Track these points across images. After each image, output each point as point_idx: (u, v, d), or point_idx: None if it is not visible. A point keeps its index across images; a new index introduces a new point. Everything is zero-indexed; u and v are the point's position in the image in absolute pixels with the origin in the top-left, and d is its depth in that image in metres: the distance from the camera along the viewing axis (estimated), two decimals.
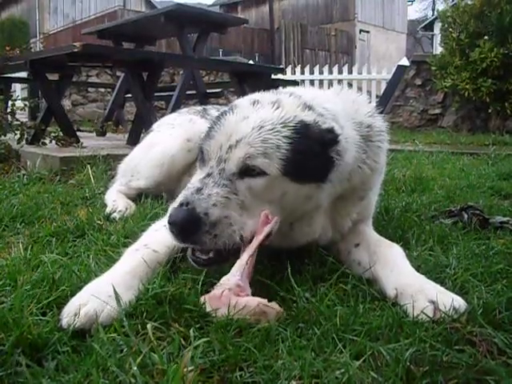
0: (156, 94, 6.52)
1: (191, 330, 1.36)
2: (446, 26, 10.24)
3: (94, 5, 31.94)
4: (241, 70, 6.88)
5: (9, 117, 5.44)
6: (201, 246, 1.67)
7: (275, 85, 6.09)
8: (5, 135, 5.21)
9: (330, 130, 1.75)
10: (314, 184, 1.76)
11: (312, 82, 13.39)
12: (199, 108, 3.40)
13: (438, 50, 12.33)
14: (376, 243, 1.97)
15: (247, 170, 1.68)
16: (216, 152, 1.72)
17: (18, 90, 13.04)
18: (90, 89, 13.09)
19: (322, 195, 1.82)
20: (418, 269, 1.80)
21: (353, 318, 1.45)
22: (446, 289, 1.63)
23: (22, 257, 1.96)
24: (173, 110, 4.78)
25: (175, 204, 1.66)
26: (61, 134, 5.34)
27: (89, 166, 4.02)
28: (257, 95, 1.92)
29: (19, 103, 6.04)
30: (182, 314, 1.48)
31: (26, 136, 5.24)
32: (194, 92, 7.27)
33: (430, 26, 33.16)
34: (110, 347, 1.25)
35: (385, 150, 2.11)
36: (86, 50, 4.76)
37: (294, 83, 8.11)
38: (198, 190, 1.65)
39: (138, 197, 3.12)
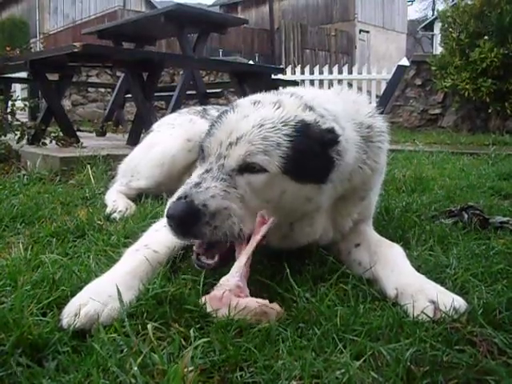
0: (156, 94, 6.52)
1: (191, 331, 1.36)
2: (446, 26, 10.24)
3: (93, 5, 31.94)
4: (241, 70, 6.88)
5: (9, 117, 5.44)
6: (201, 239, 1.66)
7: (275, 85, 6.10)
8: (5, 135, 5.21)
9: (331, 131, 1.75)
10: (314, 184, 1.75)
11: (312, 82, 13.39)
12: (199, 108, 3.40)
13: (438, 50, 12.33)
14: (376, 243, 1.97)
15: (247, 167, 1.68)
16: (216, 149, 1.73)
17: (18, 90, 13.04)
18: (90, 89, 13.09)
19: (322, 196, 1.81)
20: (418, 269, 1.80)
21: (353, 318, 1.45)
22: (447, 289, 1.63)
23: (23, 257, 1.96)
24: (173, 110, 4.78)
25: (173, 198, 1.66)
26: (61, 134, 5.34)
27: (89, 166, 4.03)
28: (258, 96, 1.92)
29: (19, 103, 6.04)
30: (182, 314, 1.48)
31: (26, 136, 5.24)
32: (194, 92, 7.27)
33: (430, 26, 33.16)
34: (111, 347, 1.25)
35: (385, 150, 2.12)
36: (86, 50, 4.76)
37: (294, 83, 8.13)
38: (197, 185, 1.65)
39: (138, 197, 3.13)
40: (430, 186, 3.78)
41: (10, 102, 5.66)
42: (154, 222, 2.09)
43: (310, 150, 1.71)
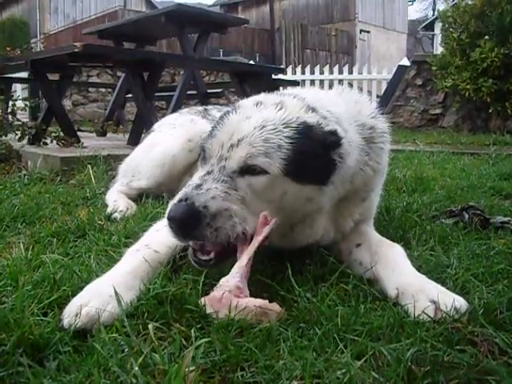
0: (157, 94, 6.52)
1: (192, 330, 1.36)
2: (447, 25, 10.24)
3: (94, 5, 31.95)
4: (241, 70, 6.88)
5: (10, 117, 5.44)
6: (202, 241, 1.66)
7: (276, 85, 6.10)
8: (6, 135, 5.21)
9: (333, 133, 1.75)
10: (315, 186, 1.75)
11: (312, 82, 13.42)
12: (200, 108, 3.40)
13: (439, 50, 12.32)
14: (377, 243, 1.97)
15: (248, 169, 1.68)
16: (217, 150, 1.72)
17: (19, 90, 13.03)
18: (90, 89, 13.09)
19: (324, 198, 1.81)
20: (419, 269, 1.80)
21: (354, 318, 1.45)
22: (447, 289, 1.63)
23: (23, 257, 1.96)
24: (173, 110, 4.78)
25: (174, 200, 1.66)
26: (61, 134, 5.34)
27: (89, 166, 4.03)
28: (260, 96, 1.92)
29: (20, 103, 6.04)
30: (183, 314, 1.48)
31: (26, 136, 5.24)
32: (194, 92, 7.27)
33: (430, 26, 33.14)
34: (112, 347, 1.25)
35: (387, 151, 2.12)
36: (87, 50, 4.76)
37: (295, 83, 8.12)
38: (198, 186, 1.65)
39: (138, 197, 3.13)
40: (431, 186, 3.78)
41: (10, 102, 5.66)
42: (155, 222, 2.09)
43: (312, 152, 1.71)
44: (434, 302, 1.51)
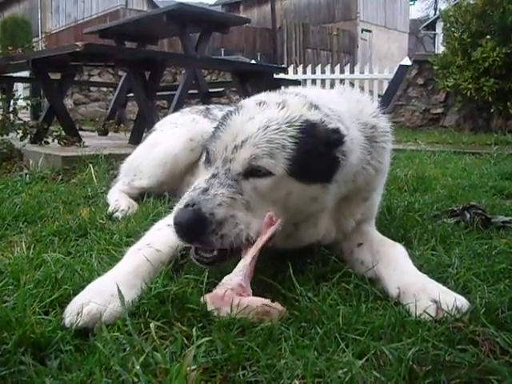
0: (158, 94, 6.52)
1: (194, 329, 1.36)
2: (448, 25, 10.23)
3: (95, 4, 31.92)
4: (243, 69, 6.88)
5: (11, 116, 5.45)
6: (208, 247, 1.66)
7: (277, 84, 6.10)
8: (7, 134, 5.21)
9: (336, 131, 1.75)
10: (319, 184, 1.75)
11: (314, 82, 13.38)
12: (202, 107, 3.40)
13: (440, 49, 12.33)
14: (379, 243, 1.97)
15: (253, 171, 1.68)
16: (222, 152, 1.72)
17: (21, 89, 13.04)
18: (92, 88, 13.10)
19: (327, 196, 1.81)
20: (420, 268, 1.80)
21: (355, 318, 1.45)
22: (449, 288, 1.63)
23: (25, 256, 1.96)
24: (175, 110, 4.78)
25: (181, 205, 1.65)
26: (63, 133, 5.35)
27: (91, 165, 4.03)
28: (263, 96, 1.91)
29: (21, 102, 6.05)
30: (184, 313, 1.48)
31: (28, 135, 5.25)
32: (196, 91, 7.27)
33: (432, 26, 33.15)
34: (113, 346, 1.25)
35: (389, 150, 2.12)
36: (88, 49, 4.77)
37: (296, 83, 8.11)
38: (204, 191, 1.64)
39: (140, 196, 3.13)
40: (432, 186, 3.78)
41: (12, 101, 5.66)
42: (157, 221, 2.09)
43: (316, 151, 1.71)
44: (435, 302, 1.51)
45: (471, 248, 2.15)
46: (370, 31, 30.94)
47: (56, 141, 5.26)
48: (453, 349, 1.29)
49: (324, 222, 1.91)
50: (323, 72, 14.13)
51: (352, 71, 14.12)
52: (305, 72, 14.31)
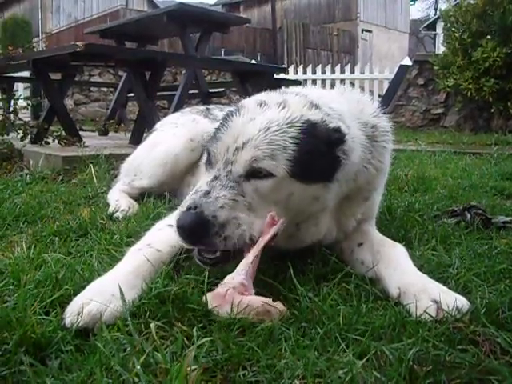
0: (158, 94, 6.52)
1: (194, 330, 1.36)
2: (449, 25, 10.23)
3: (96, 4, 31.92)
4: (243, 69, 6.88)
5: (12, 116, 5.45)
6: (211, 249, 1.67)
7: (277, 84, 6.10)
8: (8, 134, 5.21)
9: (337, 130, 1.75)
10: (320, 184, 1.75)
11: (314, 82, 13.36)
12: (202, 107, 3.40)
13: (441, 49, 12.33)
14: (379, 243, 1.97)
15: (254, 172, 1.68)
16: (223, 154, 1.72)
17: (21, 89, 13.04)
18: (92, 88, 13.11)
19: (329, 195, 1.81)
20: (420, 268, 1.80)
21: (356, 318, 1.45)
22: (449, 288, 1.63)
23: (25, 256, 1.96)
24: (175, 110, 4.78)
25: (183, 208, 1.66)
26: (63, 133, 5.35)
27: (91, 166, 4.03)
28: (263, 96, 1.91)
29: (22, 102, 6.05)
30: (185, 313, 1.48)
31: (28, 135, 5.25)
32: (196, 91, 7.27)
33: (432, 26, 33.13)
34: (114, 346, 1.25)
35: (389, 150, 2.12)
36: (89, 49, 4.77)
37: (297, 83, 8.12)
38: (206, 194, 1.65)
39: (140, 196, 3.13)
40: (433, 186, 3.78)
41: (12, 101, 5.66)
42: (157, 221, 2.09)
43: (317, 151, 1.71)
44: (435, 302, 1.51)
45: (472, 248, 2.15)
46: (370, 31, 30.94)
47: (56, 141, 5.26)
48: (453, 349, 1.29)
49: (325, 221, 1.91)
50: (323, 72, 14.13)
51: (352, 71, 14.11)
52: (305, 72, 14.31)
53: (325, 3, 30.45)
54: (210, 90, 7.56)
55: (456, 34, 9.82)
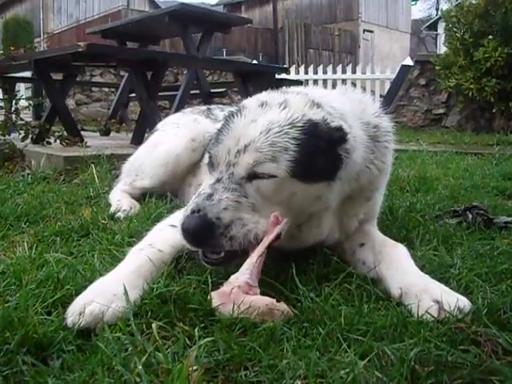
0: (160, 94, 6.52)
1: (196, 330, 1.36)
2: (450, 25, 10.21)
3: (97, 4, 31.94)
4: (244, 69, 6.88)
5: (13, 116, 5.45)
6: (218, 249, 1.67)
7: (279, 84, 6.08)
8: (9, 135, 5.22)
9: (339, 129, 1.75)
10: (323, 183, 1.75)
11: (316, 82, 13.35)
12: (203, 108, 3.40)
13: (442, 49, 12.31)
14: (381, 243, 1.97)
15: (256, 174, 1.68)
16: (225, 156, 1.72)
17: (23, 89, 13.06)
18: (93, 88, 13.11)
19: (331, 195, 1.81)
20: (422, 269, 1.80)
21: (357, 318, 1.45)
22: (451, 289, 1.62)
23: (27, 256, 1.96)
24: (177, 110, 4.78)
25: (187, 211, 1.66)
26: (65, 133, 5.35)
27: (93, 166, 4.03)
28: (264, 96, 1.91)
29: (23, 102, 6.06)
30: (186, 313, 1.48)
31: (30, 135, 5.25)
32: (197, 92, 7.27)
33: (433, 26, 33.08)
34: (115, 346, 1.25)
35: (391, 150, 2.11)
36: (90, 49, 4.76)
37: (298, 83, 8.11)
38: (209, 196, 1.65)
39: (142, 196, 3.13)
40: (434, 186, 3.77)
41: (14, 101, 5.66)
42: (159, 221, 2.09)
43: (318, 151, 1.71)
44: (437, 302, 1.51)
45: (473, 248, 2.15)
46: (371, 31, 30.92)
47: (58, 141, 5.26)
48: (455, 349, 1.29)
49: (328, 222, 1.91)
50: (325, 72, 14.11)
51: (354, 71, 14.09)
52: (306, 72, 14.29)
53: (326, 3, 30.44)
54: (212, 90, 7.55)
55: (457, 34, 9.81)
